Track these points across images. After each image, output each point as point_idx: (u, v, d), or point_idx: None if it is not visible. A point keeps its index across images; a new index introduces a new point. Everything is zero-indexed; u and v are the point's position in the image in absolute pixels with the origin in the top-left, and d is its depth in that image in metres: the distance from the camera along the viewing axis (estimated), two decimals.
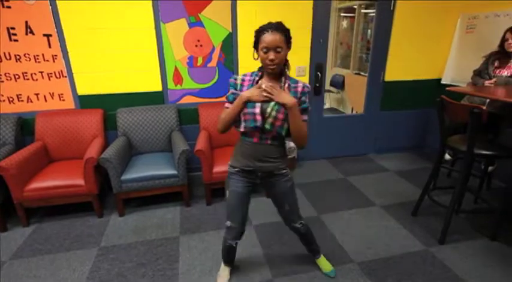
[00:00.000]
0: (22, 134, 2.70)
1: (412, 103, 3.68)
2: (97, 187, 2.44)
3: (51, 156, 2.70)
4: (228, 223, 1.63)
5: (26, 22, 2.49)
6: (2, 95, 2.64)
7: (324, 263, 1.94)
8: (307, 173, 3.31)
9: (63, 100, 2.78)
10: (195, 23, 2.81)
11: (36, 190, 2.31)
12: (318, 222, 2.44)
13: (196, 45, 2.88)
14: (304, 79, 3.23)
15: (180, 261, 2.03)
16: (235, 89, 1.47)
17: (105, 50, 2.70)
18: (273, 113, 1.39)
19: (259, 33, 1.35)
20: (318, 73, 3.27)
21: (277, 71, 1.40)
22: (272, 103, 1.38)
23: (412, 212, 2.51)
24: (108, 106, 2.86)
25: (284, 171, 1.58)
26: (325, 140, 3.60)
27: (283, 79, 1.45)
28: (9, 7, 2.42)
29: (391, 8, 3.20)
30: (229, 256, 1.84)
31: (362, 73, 4.83)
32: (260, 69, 1.47)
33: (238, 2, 2.81)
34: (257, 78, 1.46)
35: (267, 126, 1.41)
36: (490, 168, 2.80)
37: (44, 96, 2.73)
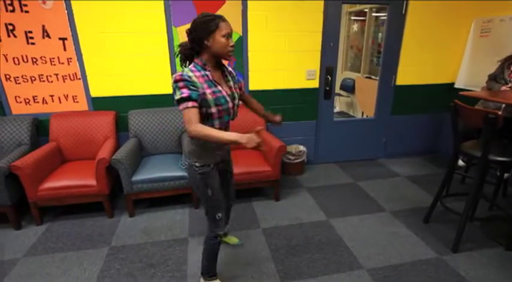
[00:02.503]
0: (37, 134, 2.77)
1: (424, 107, 3.63)
2: (108, 187, 2.48)
3: (65, 157, 2.76)
4: (219, 215, 1.61)
5: (43, 26, 2.56)
6: (19, 97, 2.71)
7: (230, 240, 2.22)
8: (316, 177, 3.29)
9: (77, 102, 2.84)
10: None
11: (50, 190, 2.36)
12: (327, 226, 2.42)
13: None
14: (314, 83, 3.23)
15: (188, 263, 2.04)
16: (196, 86, 1.35)
17: (118, 53, 2.75)
18: (239, 102, 1.57)
19: (214, 20, 1.35)
20: (328, 77, 3.26)
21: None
22: (236, 94, 1.53)
23: (423, 218, 2.46)
24: (120, 108, 2.91)
25: (229, 157, 1.77)
26: (334, 144, 3.58)
27: (225, 67, 1.55)
28: (27, 11, 2.50)
29: (403, 12, 3.17)
30: (216, 258, 1.77)
31: (373, 77, 4.78)
32: (203, 63, 1.41)
33: (249, 5, 2.83)
34: (208, 74, 1.41)
35: (236, 114, 1.57)
36: (505, 174, 2.72)
37: (59, 98, 2.80)
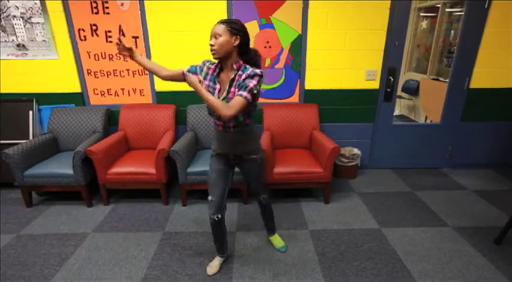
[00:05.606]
0: (108, 123, 3.08)
1: (502, 114, 3.20)
2: (166, 176, 2.66)
3: (130, 145, 3.03)
4: (210, 197, 1.77)
5: (120, 26, 2.83)
6: (96, 89, 3.05)
7: (276, 240, 2.16)
8: (370, 182, 3.12)
9: (143, 95, 3.09)
10: (266, 24, 2.87)
11: (117, 174, 2.60)
12: (379, 235, 2.28)
13: (265, 47, 2.94)
14: (374, 84, 3.06)
15: (234, 256, 2.09)
16: (198, 69, 1.71)
17: (180, 51, 2.92)
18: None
19: None
20: (390, 77, 3.06)
21: (218, 56, 1.51)
22: (223, 95, 1.56)
23: (495, 239, 2.18)
24: (179, 102, 3.08)
25: (254, 156, 1.75)
26: (392, 149, 3.36)
27: (236, 70, 1.55)
28: (108, 13, 2.78)
29: (485, 7, 2.83)
30: (216, 237, 1.90)
31: (441, 79, 4.37)
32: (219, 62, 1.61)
33: (310, 4, 2.78)
34: (216, 68, 1.64)
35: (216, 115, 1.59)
36: None
37: (128, 91, 3.07)
